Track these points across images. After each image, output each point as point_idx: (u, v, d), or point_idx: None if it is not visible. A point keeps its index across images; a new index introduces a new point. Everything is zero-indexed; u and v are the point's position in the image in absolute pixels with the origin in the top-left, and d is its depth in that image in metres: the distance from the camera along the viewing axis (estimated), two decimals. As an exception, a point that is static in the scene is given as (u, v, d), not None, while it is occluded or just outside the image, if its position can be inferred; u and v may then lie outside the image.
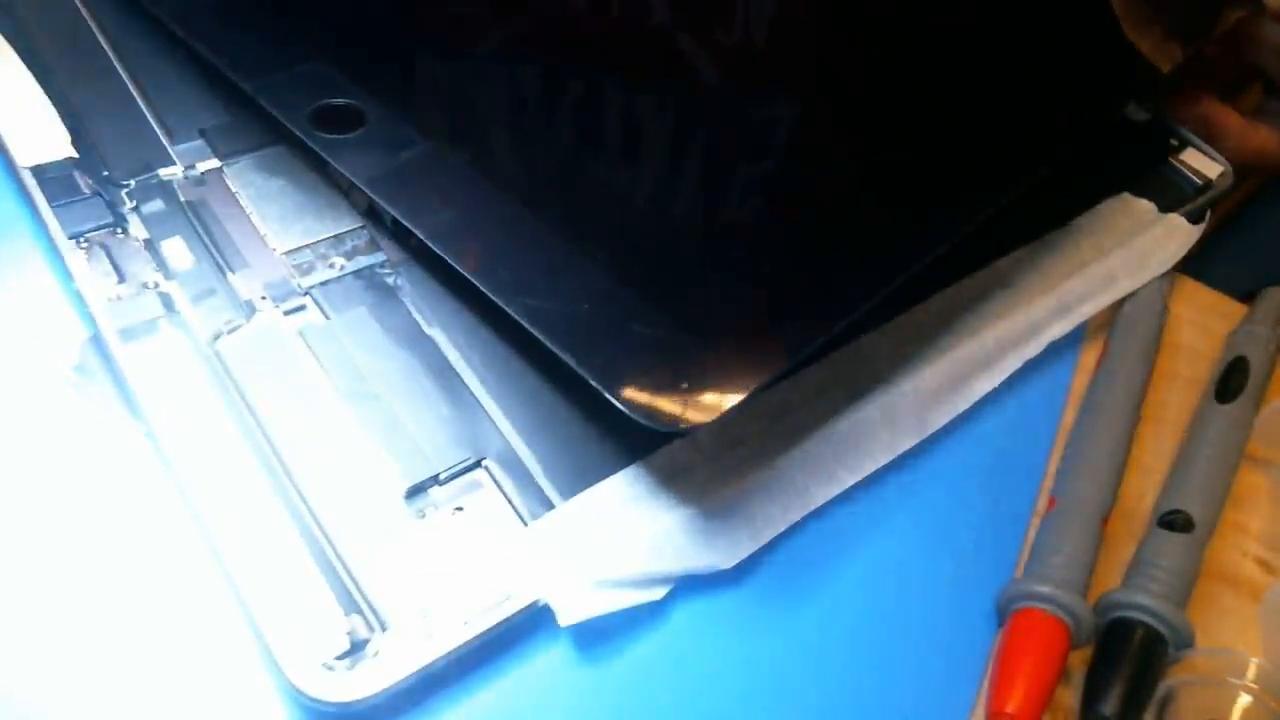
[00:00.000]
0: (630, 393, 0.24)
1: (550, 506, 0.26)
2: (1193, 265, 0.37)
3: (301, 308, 0.30)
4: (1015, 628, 0.27)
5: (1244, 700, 0.26)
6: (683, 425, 0.24)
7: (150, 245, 0.30)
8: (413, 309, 0.30)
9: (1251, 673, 0.26)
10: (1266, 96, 0.40)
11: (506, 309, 0.25)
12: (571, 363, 0.24)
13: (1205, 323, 0.37)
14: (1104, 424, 0.32)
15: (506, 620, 0.24)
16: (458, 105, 0.32)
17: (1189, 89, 0.39)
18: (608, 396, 0.23)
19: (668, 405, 0.24)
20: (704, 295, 0.28)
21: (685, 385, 0.25)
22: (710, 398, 0.24)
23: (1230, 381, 0.34)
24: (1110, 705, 0.26)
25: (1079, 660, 0.28)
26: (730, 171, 0.31)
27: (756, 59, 0.34)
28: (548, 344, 0.24)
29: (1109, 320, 0.36)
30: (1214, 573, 0.30)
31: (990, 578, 0.29)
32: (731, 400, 0.24)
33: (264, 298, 0.29)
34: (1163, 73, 0.36)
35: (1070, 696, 0.28)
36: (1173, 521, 0.30)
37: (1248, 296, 0.38)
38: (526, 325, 0.25)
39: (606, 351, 0.25)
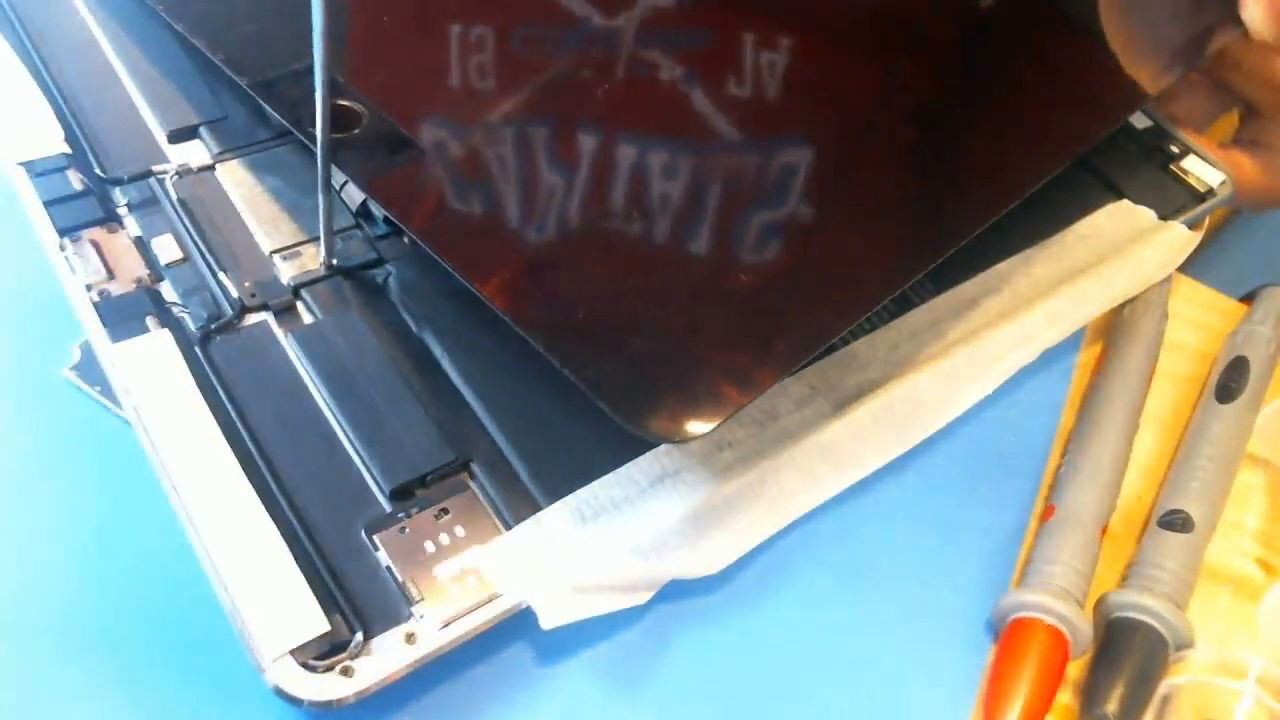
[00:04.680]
0: (625, 404, 0.24)
1: (536, 509, 0.26)
2: (1192, 265, 0.37)
3: (291, 307, 0.30)
4: (1013, 637, 0.27)
5: (1244, 700, 0.25)
6: (676, 437, 0.23)
7: (141, 243, 0.30)
8: (402, 310, 0.30)
9: (1252, 673, 0.25)
10: (1243, 124, 0.40)
11: (500, 314, 0.25)
12: (568, 373, 0.24)
13: (1205, 323, 0.37)
14: (1104, 431, 0.31)
15: (489, 623, 0.24)
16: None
17: (1168, 117, 0.40)
18: (602, 406, 0.23)
19: (661, 416, 0.24)
20: (699, 309, 0.28)
21: (679, 397, 0.24)
22: (704, 410, 0.24)
23: (1230, 381, 0.33)
24: (1111, 705, 0.26)
25: (1077, 663, 0.28)
26: (726, 191, 0.31)
27: (757, 100, 0.34)
28: (542, 352, 0.24)
29: (1108, 323, 0.35)
30: (1214, 573, 0.30)
31: (986, 587, 0.29)
32: (724, 414, 0.24)
33: (254, 296, 0.29)
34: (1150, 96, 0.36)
35: (1070, 697, 0.27)
36: (1173, 521, 0.29)
37: (1248, 296, 0.37)
38: (521, 332, 0.25)
39: (601, 361, 0.25)
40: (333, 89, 0.30)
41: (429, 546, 0.25)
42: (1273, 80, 0.37)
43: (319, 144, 0.26)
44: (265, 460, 0.26)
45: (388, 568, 0.25)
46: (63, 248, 0.29)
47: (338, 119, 0.30)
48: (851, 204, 0.31)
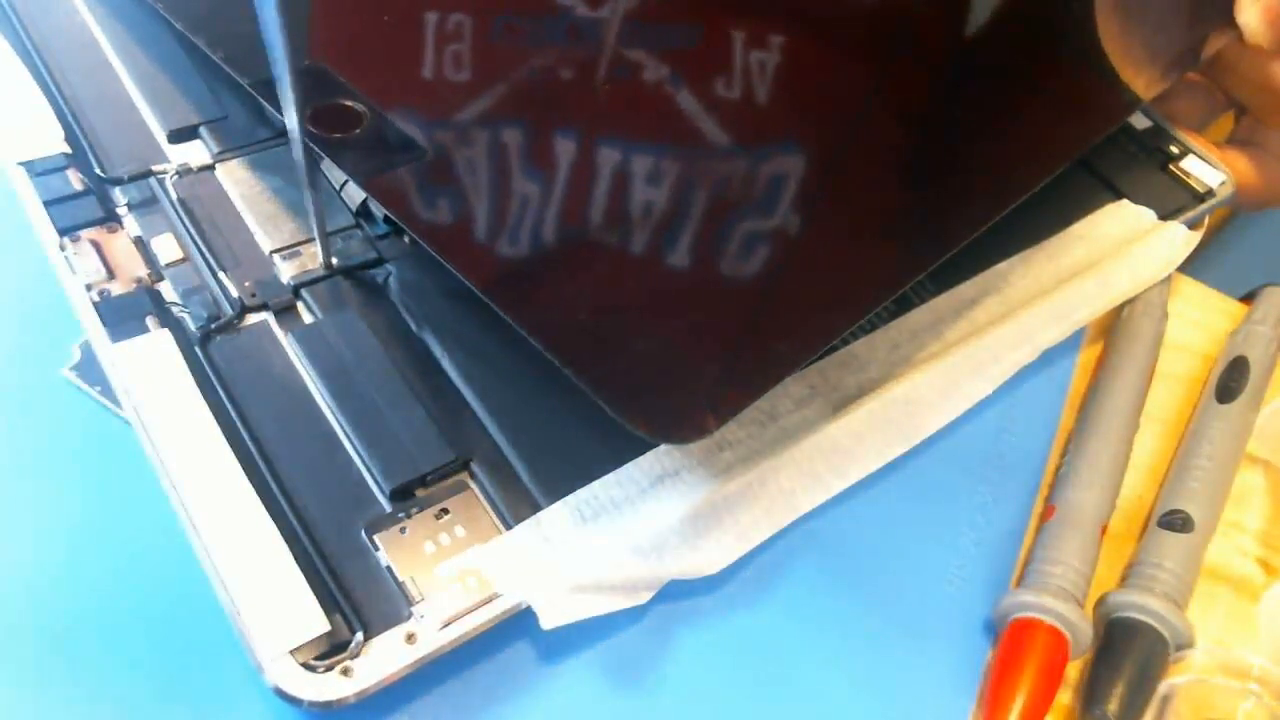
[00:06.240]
0: (627, 404, 0.23)
1: (536, 508, 0.26)
2: (1192, 265, 0.37)
3: (291, 307, 0.30)
4: (1013, 637, 0.27)
5: (1244, 700, 0.25)
6: (679, 438, 0.23)
7: (141, 242, 0.30)
8: (402, 309, 0.30)
9: (1252, 673, 0.25)
10: (1238, 124, 0.40)
11: (504, 316, 0.25)
12: (569, 373, 0.24)
13: (1205, 323, 0.37)
14: (1104, 431, 0.31)
15: (489, 623, 0.24)
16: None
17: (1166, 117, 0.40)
18: (604, 407, 0.23)
19: (663, 417, 0.24)
20: (701, 309, 0.28)
21: (681, 398, 0.24)
22: (706, 411, 0.24)
23: (1230, 381, 0.33)
24: (1111, 705, 0.26)
25: (1077, 663, 0.28)
26: (728, 192, 0.31)
27: (754, 108, 0.34)
28: (544, 352, 0.24)
29: (1108, 323, 0.35)
30: (1214, 573, 0.30)
31: (986, 586, 0.29)
32: (726, 415, 0.24)
33: (254, 296, 0.29)
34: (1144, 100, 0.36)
35: (1070, 697, 0.27)
36: (1173, 522, 0.29)
37: (1248, 296, 0.37)
38: (523, 333, 0.25)
39: (603, 362, 0.25)
40: (333, 89, 0.30)
41: (429, 546, 0.25)
42: (1267, 84, 0.37)
43: (294, 147, 0.26)
44: (265, 460, 0.26)
45: (388, 568, 0.25)
46: (63, 248, 0.29)
47: (338, 119, 0.30)
48: (852, 205, 0.31)
